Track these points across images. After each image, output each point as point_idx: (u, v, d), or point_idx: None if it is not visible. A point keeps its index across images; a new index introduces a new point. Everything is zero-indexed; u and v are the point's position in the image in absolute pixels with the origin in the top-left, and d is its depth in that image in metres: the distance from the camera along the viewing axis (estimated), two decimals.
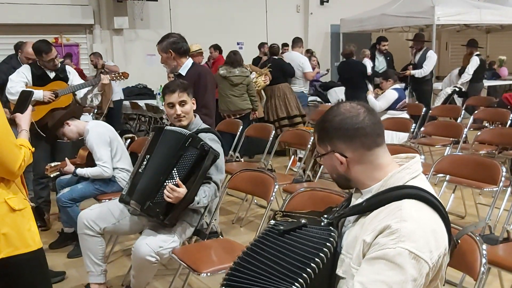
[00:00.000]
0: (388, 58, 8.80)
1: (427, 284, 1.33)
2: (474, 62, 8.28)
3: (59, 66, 4.22)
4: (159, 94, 8.23)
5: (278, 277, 1.37)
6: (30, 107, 2.37)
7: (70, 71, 4.34)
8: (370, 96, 6.14)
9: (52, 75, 4.20)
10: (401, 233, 1.28)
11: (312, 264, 1.36)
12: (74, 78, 4.31)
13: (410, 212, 1.33)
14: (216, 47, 8.17)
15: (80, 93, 4.30)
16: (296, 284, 1.34)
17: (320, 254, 1.38)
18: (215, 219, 3.02)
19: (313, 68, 8.43)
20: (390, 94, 5.94)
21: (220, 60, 7.81)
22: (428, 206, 1.37)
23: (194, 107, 2.94)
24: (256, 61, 8.41)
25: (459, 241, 1.53)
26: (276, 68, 6.88)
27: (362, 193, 1.50)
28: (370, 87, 7.45)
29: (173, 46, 3.58)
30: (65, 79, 4.25)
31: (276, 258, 1.42)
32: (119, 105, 8.28)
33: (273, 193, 2.77)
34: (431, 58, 7.75)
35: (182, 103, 2.84)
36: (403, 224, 1.30)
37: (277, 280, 1.37)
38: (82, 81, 4.34)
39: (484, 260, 1.74)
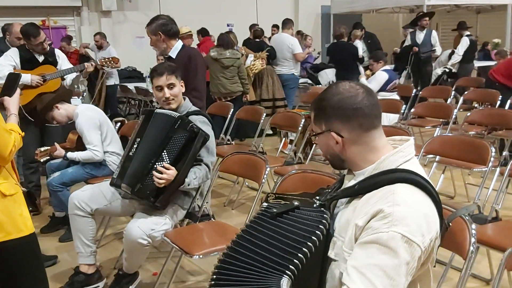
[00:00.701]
0: (368, 41, 8.75)
1: (418, 267, 1.34)
2: (464, 42, 8.28)
3: (48, 49, 4.17)
4: (148, 77, 8.15)
5: (270, 266, 1.36)
6: (18, 90, 2.35)
7: (60, 55, 4.30)
8: (363, 79, 6.14)
9: (41, 58, 4.15)
10: (394, 217, 1.28)
11: (304, 249, 1.36)
12: (63, 63, 4.27)
13: (403, 196, 1.33)
14: (199, 32, 8.05)
15: (68, 79, 4.25)
16: (287, 272, 1.33)
17: (313, 237, 1.38)
18: (206, 202, 3.02)
19: (308, 48, 8.40)
20: (381, 76, 5.95)
21: (206, 42, 7.68)
22: (420, 190, 1.37)
23: (183, 89, 2.92)
24: (246, 43, 8.36)
25: (450, 224, 1.54)
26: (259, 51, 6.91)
27: (355, 174, 1.50)
28: (361, 69, 7.44)
29: (163, 28, 3.54)
30: (54, 63, 4.20)
31: (268, 244, 1.41)
32: (113, 90, 8.21)
33: (265, 176, 2.77)
34: (436, 38, 7.77)
35: (171, 86, 2.82)
36: (396, 208, 1.30)
37: (268, 269, 1.36)
38: (71, 66, 4.29)
39: (473, 240, 1.77)
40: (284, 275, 1.33)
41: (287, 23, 7.37)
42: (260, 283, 1.34)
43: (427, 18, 7.85)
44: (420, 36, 7.74)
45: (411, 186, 1.36)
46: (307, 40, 9.48)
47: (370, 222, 1.32)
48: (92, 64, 4.18)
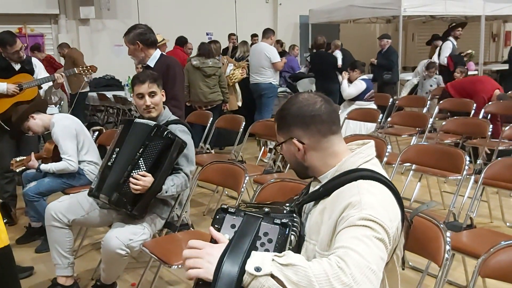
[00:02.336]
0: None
1: (387, 259, 1.37)
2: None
3: (24, 58, 4.12)
4: (127, 85, 8.10)
5: None
6: None
7: (36, 64, 4.25)
8: (345, 81, 6.22)
9: (17, 67, 4.10)
10: (362, 203, 1.34)
11: None
12: (40, 72, 4.22)
13: (367, 187, 1.40)
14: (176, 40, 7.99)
15: (41, 89, 4.21)
16: None
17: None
18: (185, 211, 3.02)
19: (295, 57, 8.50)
20: (360, 84, 6.05)
21: (174, 51, 7.54)
22: (381, 184, 1.44)
23: (164, 99, 2.92)
24: (225, 52, 8.37)
25: (412, 221, 1.60)
26: None
27: (320, 181, 1.55)
28: (340, 78, 7.52)
29: (140, 38, 3.54)
30: (31, 71, 4.16)
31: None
32: (83, 98, 8.09)
33: (244, 184, 2.78)
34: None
35: (152, 94, 2.82)
36: (362, 196, 1.36)
37: None
38: (48, 75, 4.25)
39: (448, 247, 1.80)
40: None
41: (266, 33, 7.33)
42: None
43: (460, 28, 7.96)
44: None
45: (372, 181, 1.43)
46: (295, 50, 9.61)
47: (341, 215, 1.36)
48: (62, 75, 4.14)
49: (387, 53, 8.23)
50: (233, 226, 1.42)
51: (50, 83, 4.18)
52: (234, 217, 1.43)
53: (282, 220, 1.39)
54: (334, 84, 7.46)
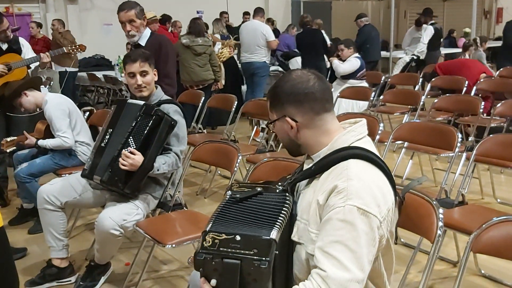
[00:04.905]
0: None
1: (382, 242, 1.40)
2: (429, 31, 8.44)
3: (11, 37, 4.06)
4: (117, 65, 8.03)
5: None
6: None
7: (24, 43, 4.20)
8: (336, 61, 6.17)
9: (4, 46, 4.04)
10: (349, 191, 1.34)
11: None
12: (27, 52, 4.17)
13: (356, 171, 1.40)
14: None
15: (32, 67, 4.17)
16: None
17: (279, 218, 1.42)
18: (179, 191, 3.01)
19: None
20: (355, 61, 6.01)
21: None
22: (371, 165, 1.44)
23: (156, 78, 2.89)
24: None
25: (404, 197, 1.61)
26: None
27: (313, 159, 1.55)
28: (325, 57, 7.46)
29: (143, 14, 3.49)
30: (18, 51, 4.10)
31: (236, 226, 1.43)
32: (72, 77, 8.00)
33: (237, 164, 2.78)
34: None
35: (144, 73, 2.79)
36: (349, 182, 1.36)
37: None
38: (35, 55, 4.19)
39: (440, 223, 1.81)
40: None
41: (259, 11, 7.27)
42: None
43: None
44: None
45: (363, 161, 1.43)
46: (294, 29, 9.57)
47: (328, 199, 1.38)
48: (47, 55, 4.09)
49: (359, 32, 8.22)
50: (215, 269, 1.39)
51: (37, 63, 4.13)
52: (213, 262, 1.38)
53: (259, 258, 1.34)
54: (322, 62, 7.40)
